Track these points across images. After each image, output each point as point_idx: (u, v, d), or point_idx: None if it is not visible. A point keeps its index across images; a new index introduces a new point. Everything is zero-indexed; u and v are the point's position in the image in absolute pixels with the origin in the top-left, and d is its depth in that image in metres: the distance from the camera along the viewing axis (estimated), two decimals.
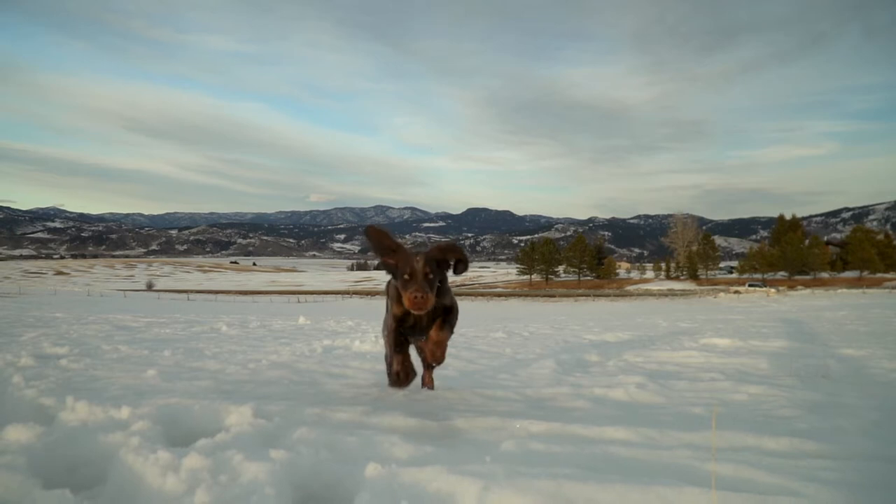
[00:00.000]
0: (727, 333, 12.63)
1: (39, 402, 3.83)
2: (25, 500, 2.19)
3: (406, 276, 3.76)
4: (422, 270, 3.75)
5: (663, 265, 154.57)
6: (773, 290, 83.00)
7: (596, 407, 4.65)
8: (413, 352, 4.67)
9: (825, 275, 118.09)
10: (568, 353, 8.70)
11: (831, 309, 21.38)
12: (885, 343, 9.62)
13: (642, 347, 9.79)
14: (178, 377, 5.40)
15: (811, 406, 4.82)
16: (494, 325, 18.01)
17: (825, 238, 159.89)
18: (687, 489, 2.51)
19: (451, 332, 4.31)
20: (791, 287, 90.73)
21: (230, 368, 6.06)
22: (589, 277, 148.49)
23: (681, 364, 7.52)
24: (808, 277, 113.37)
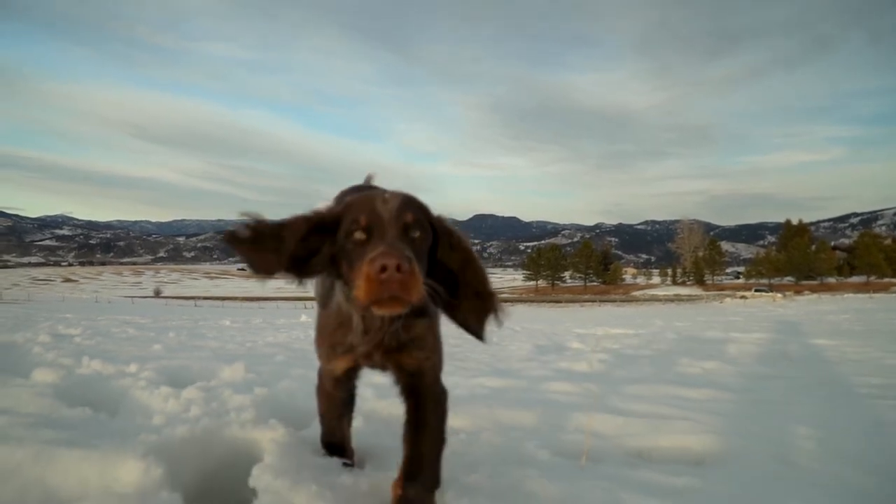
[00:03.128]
0: (715, 328, 13.12)
1: (59, 362, 4.39)
2: (55, 415, 2.73)
3: (359, 233, 1.70)
4: (395, 218, 1.70)
5: (670, 271, 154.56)
6: (779, 295, 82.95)
7: (555, 374, 5.17)
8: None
9: (832, 280, 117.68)
10: (551, 341, 9.21)
11: (835, 313, 21.67)
12: (866, 338, 9.95)
13: (625, 338, 10.26)
14: (181, 350, 5.97)
15: (754, 376, 5.33)
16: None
17: (832, 243, 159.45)
18: (598, 416, 3.06)
19: (439, 452, 2.01)
20: (797, 292, 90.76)
21: (229, 346, 6.62)
22: (595, 283, 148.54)
23: (655, 349, 8.01)
24: (814, 282, 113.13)
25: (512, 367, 5.58)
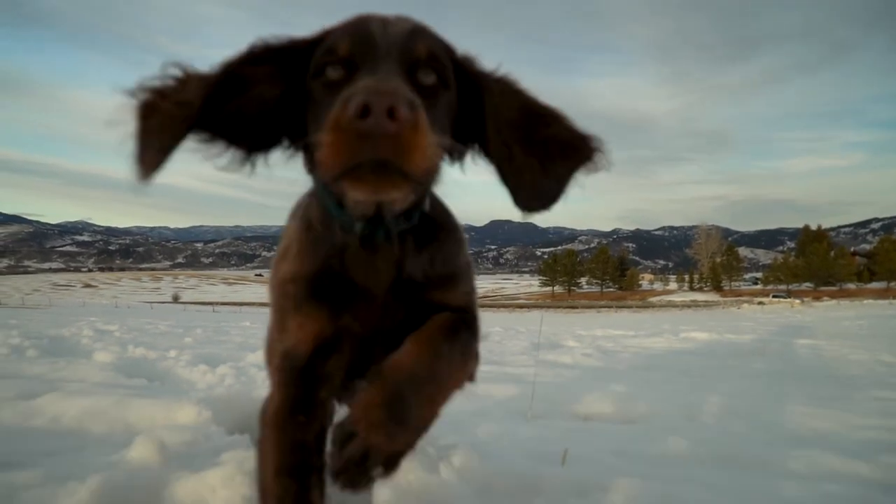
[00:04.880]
0: (714, 330, 13.64)
1: (109, 349, 5.15)
2: (119, 382, 3.46)
3: (334, 68, 1.09)
4: (399, 47, 1.09)
5: (687, 276, 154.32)
6: (797, 301, 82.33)
7: (539, 364, 5.82)
8: None
9: (851, 286, 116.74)
10: (549, 340, 9.83)
11: (851, 319, 21.91)
12: (861, 340, 10.26)
13: (623, 338, 10.83)
14: (209, 342, 6.75)
15: (718, 367, 5.95)
16: (496, 325, 19.08)
17: (852, 249, 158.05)
18: (557, 388, 3.74)
19: (467, 366, 1.32)
20: (816, 298, 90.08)
21: (251, 340, 7.35)
22: (612, 289, 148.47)
23: (644, 347, 8.60)
24: (833, 288, 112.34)
25: (504, 359, 6.24)
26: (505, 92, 1.21)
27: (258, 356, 4.82)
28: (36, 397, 2.79)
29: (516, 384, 4.08)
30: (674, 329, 16.50)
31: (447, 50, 1.18)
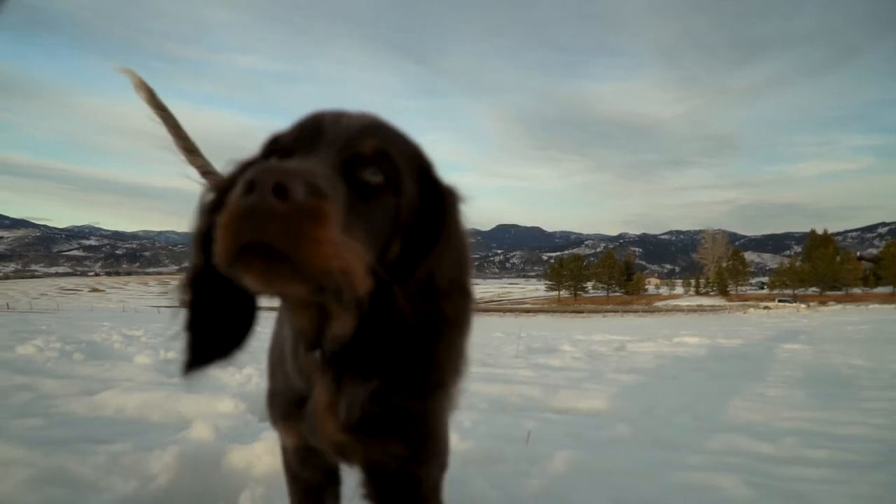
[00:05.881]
0: (709, 336, 14.12)
1: (143, 353, 5.74)
2: (162, 381, 4.06)
3: (277, 154, 1.01)
4: (341, 139, 0.97)
5: (693, 281, 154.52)
6: (802, 305, 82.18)
7: (529, 366, 6.39)
8: None
9: (857, 290, 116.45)
10: (546, 344, 10.37)
11: (854, 324, 22.08)
12: (850, 345, 10.53)
13: (617, 343, 11.29)
14: None
15: (695, 368, 6.51)
16: (498, 331, 19.55)
17: (858, 253, 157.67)
18: (540, 388, 4.32)
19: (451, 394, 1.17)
20: (822, 303, 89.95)
21: (264, 344, 7.91)
22: (618, 293, 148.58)
23: (633, 351, 9.13)
24: (839, 293, 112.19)
25: (498, 362, 6.81)
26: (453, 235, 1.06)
27: None
28: (97, 393, 3.43)
29: (504, 383, 4.65)
30: (671, 334, 16.93)
31: (411, 156, 1.07)
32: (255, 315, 1.10)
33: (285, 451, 1.42)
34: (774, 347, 9.95)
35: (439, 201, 1.07)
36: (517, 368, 5.81)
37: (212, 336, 1.09)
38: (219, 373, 4.33)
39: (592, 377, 5.36)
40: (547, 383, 4.87)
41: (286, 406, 1.22)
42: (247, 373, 4.42)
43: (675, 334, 14.86)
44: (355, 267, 0.84)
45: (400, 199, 0.99)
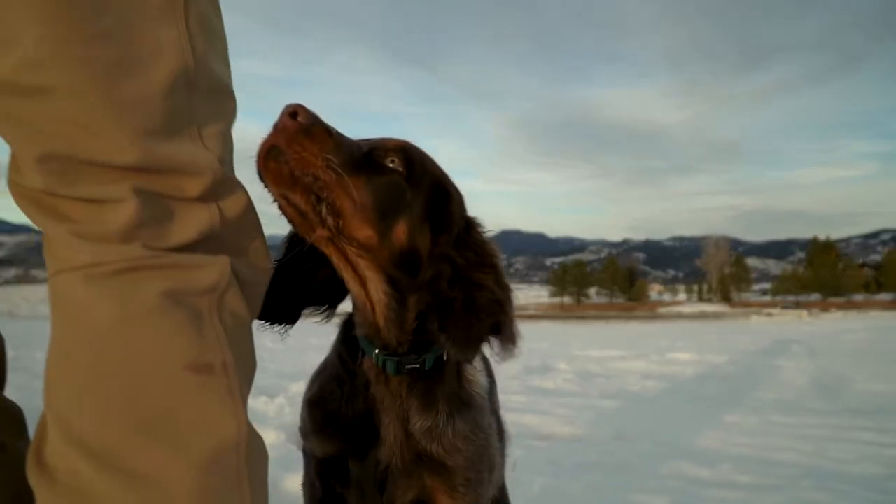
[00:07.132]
0: (699, 349, 14.63)
1: None
2: None
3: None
4: (375, 142, 1.25)
5: (696, 287, 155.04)
6: (804, 312, 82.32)
7: (521, 388, 7.08)
8: None
9: (859, 297, 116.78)
10: (543, 362, 10.96)
11: (854, 331, 22.20)
12: (838, 357, 11.23)
13: (610, 361, 11.84)
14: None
15: (672, 391, 7.19)
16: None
17: (861, 260, 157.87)
18: (528, 416, 5.04)
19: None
20: (824, 309, 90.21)
21: (285, 368, 8.64)
22: (620, 300, 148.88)
23: (625, 370, 9.70)
24: (841, 300, 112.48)
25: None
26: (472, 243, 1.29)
27: (300, 386, 6.09)
28: None
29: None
30: (666, 347, 17.32)
31: (426, 161, 1.27)
32: (317, 293, 1.41)
33: (309, 465, 1.47)
34: (759, 364, 10.57)
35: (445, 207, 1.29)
36: (512, 394, 6.48)
37: (285, 299, 1.34)
38: (252, 402, 5.02)
39: (580, 401, 6.04)
40: (538, 409, 5.55)
41: (326, 412, 1.35)
42: (278, 403, 5.12)
43: (670, 347, 15.22)
44: (340, 194, 1.09)
45: (409, 186, 1.21)
